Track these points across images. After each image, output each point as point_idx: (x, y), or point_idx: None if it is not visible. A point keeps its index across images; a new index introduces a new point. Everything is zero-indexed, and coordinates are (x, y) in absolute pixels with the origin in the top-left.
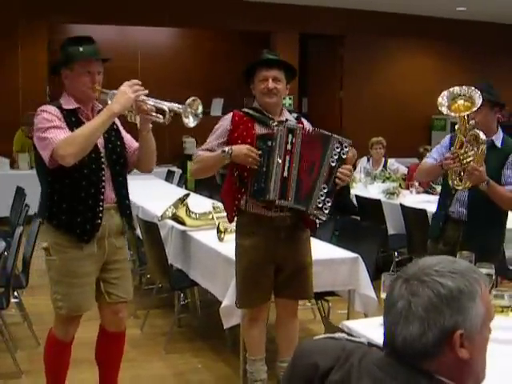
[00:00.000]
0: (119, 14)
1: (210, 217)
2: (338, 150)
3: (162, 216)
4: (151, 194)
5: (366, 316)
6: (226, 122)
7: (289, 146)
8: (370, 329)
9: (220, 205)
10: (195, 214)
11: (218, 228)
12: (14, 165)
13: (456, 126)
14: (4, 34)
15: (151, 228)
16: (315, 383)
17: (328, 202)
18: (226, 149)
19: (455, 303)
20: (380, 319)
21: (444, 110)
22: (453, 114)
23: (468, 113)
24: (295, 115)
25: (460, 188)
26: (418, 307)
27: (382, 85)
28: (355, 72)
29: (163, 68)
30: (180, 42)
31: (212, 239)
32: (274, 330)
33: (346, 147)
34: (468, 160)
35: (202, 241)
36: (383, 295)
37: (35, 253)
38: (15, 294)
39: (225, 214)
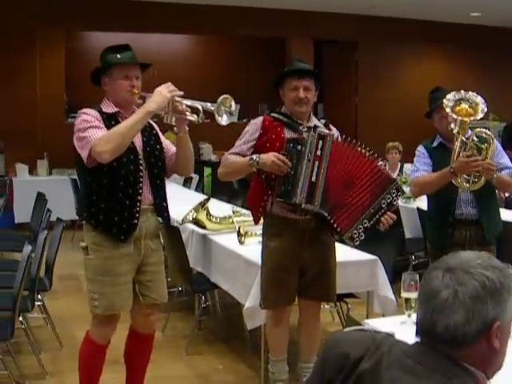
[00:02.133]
0: (135, 21)
1: (231, 221)
2: (394, 195)
3: (182, 220)
4: (170, 198)
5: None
6: (255, 125)
7: (318, 152)
8: (391, 327)
9: (240, 209)
10: (216, 217)
11: (238, 231)
12: (32, 171)
13: (455, 130)
14: (22, 41)
15: (172, 232)
16: (346, 372)
17: (361, 236)
18: (254, 156)
19: (497, 295)
20: (400, 318)
21: (448, 110)
22: (454, 116)
23: (472, 119)
24: (323, 121)
25: (474, 188)
26: (465, 296)
27: (396, 90)
28: (370, 77)
29: (179, 74)
30: (195, 49)
31: (233, 242)
32: (295, 332)
33: (400, 195)
34: (483, 158)
35: (223, 244)
36: (404, 294)
37: (57, 257)
38: (39, 297)
39: (245, 218)
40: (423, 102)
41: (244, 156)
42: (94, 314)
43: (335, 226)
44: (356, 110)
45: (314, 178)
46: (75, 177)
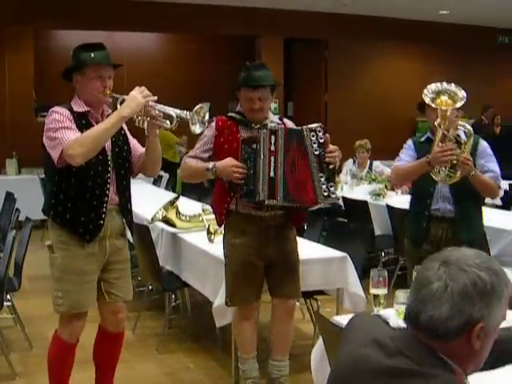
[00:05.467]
0: (105, 19)
1: (200, 219)
2: (314, 138)
3: (152, 219)
4: (140, 197)
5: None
6: (210, 128)
7: (272, 147)
8: None
9: (209, 207)
10: (185, 216)
11: (208, 229)
12: (1, 170)
13: (436, 122)
14: None
15: (142, 231)
16: None
17: (331, 186)
18: (210, 166)
19: (486, 297)
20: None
21: (427, 100)
22: (434, 105)
23: (452, 108)
24: (278, 116)
25: (450, 182)
26: (454, 292)
27: (366, 88)
28: (339, 75)
29: (149, 73)
30: (166, 47)
31: (202, 241)
32: (264, 330)
33: (319, 131)
34: (458, 152)
35: (193, 242)
36: (373, 291)
37: (26, 257)
38: (8, 297)
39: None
40: (393, 100)
41: (202, 159)
42: (57, 312)
43: (302, 206)
44: (326, 108)
45: (272, 174)
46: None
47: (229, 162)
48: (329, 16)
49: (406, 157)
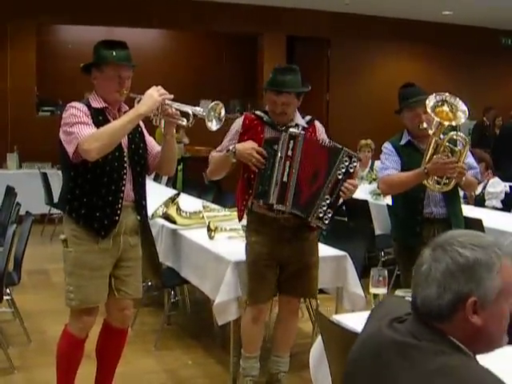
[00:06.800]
0: (107, 15)
1: (201, 216)
2: (347, 164)
3: (152, 215)
4: None
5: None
6: (237, 125)
7: (289, 152)
8: (359, 323)
9: (210, 204)
10: (186, 212)
11: (208, 226)
12: (2, 165)
13: (430, 131)
14: None
15: (142, 226)
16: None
17: (329, 212)
18: (231, 147)
19: (471, 272)
20: (369, 314)
21: (429, 109)
22: (435, 117)
23: (450, 124)
24: (308, 119)
25: (444, 190)
26: (437, 272)
27: (368, 87)
28: (341, 74)
29: (149, 70)
30: (168, 44)
31: (202, 237)
32: (266, 329)
33: (354, 161)
34: (457, 161)
35: (193, 239)
36: (373, 290)
37: (26, 251)
38: (7, 291)
39: (215, 213)
40: (394, 100)
41: None
42: (69, 306)
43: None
44: (327, 107)
45: (285, 178)
46: (45, 170)
47: (249, 144)
48: (331, 15)
49: (392, 164)
